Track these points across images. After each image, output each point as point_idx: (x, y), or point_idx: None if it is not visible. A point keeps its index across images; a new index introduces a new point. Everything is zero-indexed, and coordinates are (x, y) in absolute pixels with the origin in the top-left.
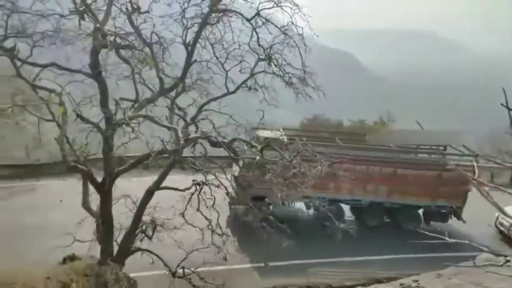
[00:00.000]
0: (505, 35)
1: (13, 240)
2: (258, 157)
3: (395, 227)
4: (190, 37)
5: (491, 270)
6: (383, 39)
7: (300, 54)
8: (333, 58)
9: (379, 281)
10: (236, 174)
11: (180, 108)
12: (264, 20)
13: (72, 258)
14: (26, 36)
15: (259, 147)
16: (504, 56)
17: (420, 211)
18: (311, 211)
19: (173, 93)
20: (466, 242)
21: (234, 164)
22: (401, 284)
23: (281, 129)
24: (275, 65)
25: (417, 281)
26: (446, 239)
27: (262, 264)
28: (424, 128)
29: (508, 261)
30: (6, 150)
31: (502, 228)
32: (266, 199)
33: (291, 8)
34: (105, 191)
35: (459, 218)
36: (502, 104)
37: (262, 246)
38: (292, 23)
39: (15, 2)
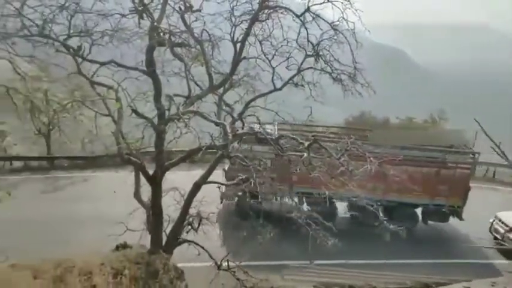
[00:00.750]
0: None
1: (71, 228)
2: (305, 154)
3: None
4: (237, 34)
5: None
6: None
7: (351, 50)
8: (383, 54)
9: (427, 286)
10: (226, 168)
11: (227, 105)
12: (314, 16)
13: (124, 246)
14: (87, 36)
15: (306, 144)
16: None
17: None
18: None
19: (220, 90)
20: None
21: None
22: None
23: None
24: (324, 62)
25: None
26: (506, 245)
27: (307, 262)
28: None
29: None
30: (64, 143)
31: (496, 235)
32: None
33: (342, 2)
34: (156, 183)
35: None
36: None
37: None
38: (343, 18)
39: (78, 3)
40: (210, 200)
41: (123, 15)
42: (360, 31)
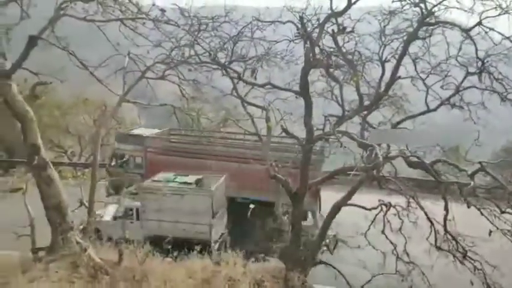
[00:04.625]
0: None
1: None
2: (471, 183)
3: None
4: (386, 53)
5: None
6: None
7: None
8: None
9: None
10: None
11: (370, 126)
12: (486, 30)
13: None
14: (244, 61)
15: (469, 172)
16: None
17: None
18: None
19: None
20: None
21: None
22: None
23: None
24: (495, 79)
25: None
26: None
27: None
28: None
29: None
30: None
31: None
32: None
33: None
34: (298, 200)
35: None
36: None
37: None
38: None
39: (243, 32)
40: (348, 223)
41: (291, 41)
42: None
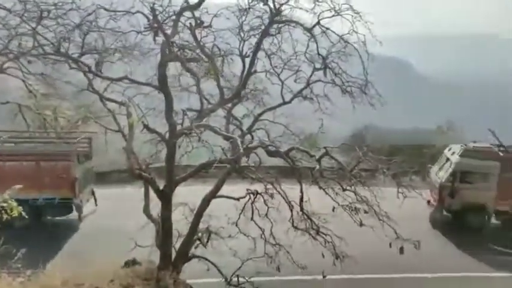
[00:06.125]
0: None
1: (80, 244)
2: (317, 166)
3: None
4: (245, 49)
5: None
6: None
7: (362, 62)
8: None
9: None
10: None
11: (235, 118)
12: (324, 29)
13: (133, 262)
14: (99, 53)
15: (317, 157)
16: None
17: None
18: None
19: (229, 104)
20: None
21: None
22: None
23: None
24: (335, 74)
25: None
26: None
27: (320, 277)
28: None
29: None
30: None
31: None
32: None
33: (351, 15)
34: (166, 198)
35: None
36: None
37: None
38: (354, 30)
39: (92, 22)
40: (219, 215)
41: (139, 32)
42: (370, 44)
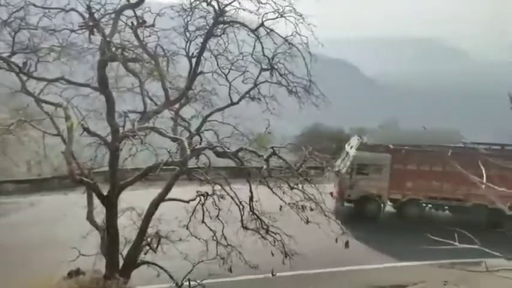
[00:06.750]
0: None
1: (19, 255)
2: (264, 166)
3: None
4: (192, 49)
5: (503, 275)
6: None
7: (306, 63)
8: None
9: None
10: None
11: (184, 120)
12: (268, 31)
13: (77, 272)
14: (32, 52)
15: (265, 157)
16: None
17: None
18: None
19: (177, 105)
20: (476, 247)
21: None
22: None
23: None
24: (280, 75)
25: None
26: (456, 244)
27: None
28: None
29: None
30: (7, 165)
31: None
32: None
33: (294, 17)
34: (110, 203)
35: None
36: None
37: None
38: (297, 32)
39: (23, 18)
40: (170, 218)
41: (72, 31)
42: (313, 46)
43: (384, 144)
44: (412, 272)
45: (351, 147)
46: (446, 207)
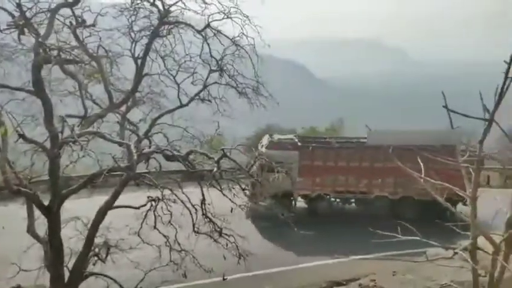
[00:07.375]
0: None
1: None
2: (215, 169)
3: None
4: (139, 50)
5: (441, 263)
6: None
7: (253, 64)
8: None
9: (338, 284)
10: None
11: (131, 123)
12: (215, 32)
13: None
14: None
15: (216, 159)
16: (444, 63)
17: None
18: None
19: (123, 108)
20: (417, 238)
21: None
22: (359, 285)
23: None
24: (229, 76)
25: (374, 280)
26: (399, 236)
27: (227, 278)
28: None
29: (456, 253)
30: None
31: None
32: None
33: (240, 19)
34: (52, 214)
35: None
36: (443, 106)
37: None
38: (243, 33)
39: None
40: (120, 226)
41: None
42: (262, 47)
43: (292, 142)
44: (362, 266)
45: (262, 145)
46: (352, 200)
